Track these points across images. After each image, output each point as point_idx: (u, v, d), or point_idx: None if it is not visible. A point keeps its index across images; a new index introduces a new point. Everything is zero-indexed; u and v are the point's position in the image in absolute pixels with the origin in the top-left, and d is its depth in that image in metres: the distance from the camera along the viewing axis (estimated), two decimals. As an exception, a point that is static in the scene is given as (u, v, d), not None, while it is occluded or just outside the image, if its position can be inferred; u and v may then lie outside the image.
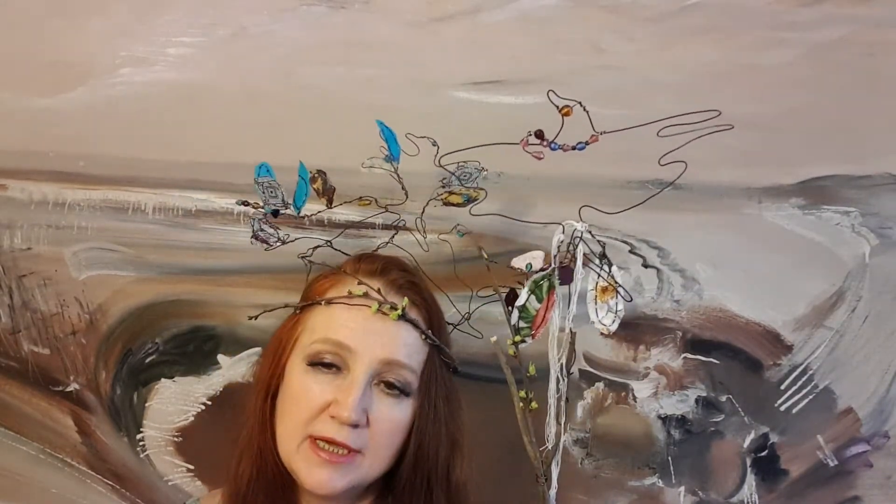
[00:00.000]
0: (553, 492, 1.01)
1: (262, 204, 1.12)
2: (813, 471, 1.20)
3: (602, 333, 1.08)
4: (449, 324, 1.08)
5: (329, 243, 1.13)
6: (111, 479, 1.28)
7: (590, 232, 1.01)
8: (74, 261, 1.22)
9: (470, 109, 1.13)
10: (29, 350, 1.26)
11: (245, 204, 1.12)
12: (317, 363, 0.93)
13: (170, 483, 1.27)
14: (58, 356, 1.26)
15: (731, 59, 1.10)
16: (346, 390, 0.90)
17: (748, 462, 1.20)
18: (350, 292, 0.95)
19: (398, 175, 1.07)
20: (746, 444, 1.20)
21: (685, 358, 1.19)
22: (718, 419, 1.20)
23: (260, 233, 1.12)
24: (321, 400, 0.91)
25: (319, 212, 1.09)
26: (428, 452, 0.96)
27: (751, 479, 1.21)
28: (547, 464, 1.01)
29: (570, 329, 1.01)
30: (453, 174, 1.08)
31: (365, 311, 0.94)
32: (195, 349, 1.24)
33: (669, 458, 1.21)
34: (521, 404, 1.02)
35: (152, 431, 1.26)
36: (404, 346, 0.95)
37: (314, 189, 1.09)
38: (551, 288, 1.02)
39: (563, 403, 1.01)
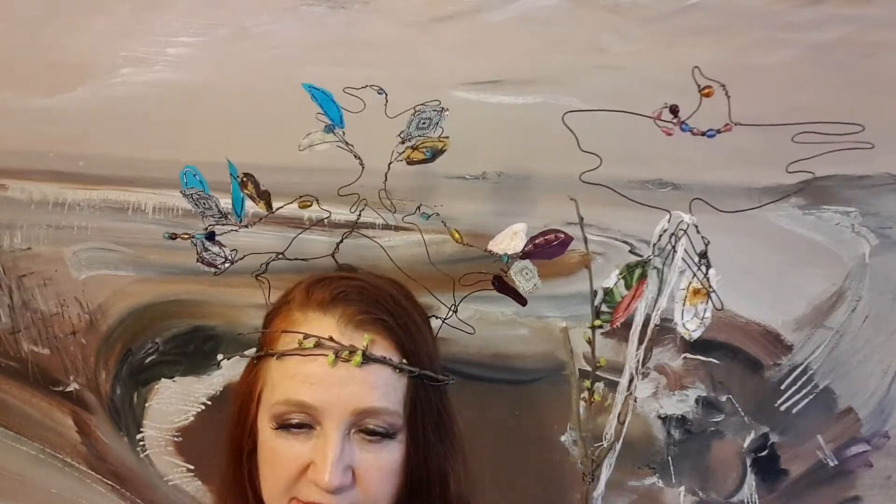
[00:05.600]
0: (599, 493, 0.95)
1: (191, 233, 0.99)
2: (813, 471, 1.20)
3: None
4: (436, 318, 1.03)
5: (282, 255, 1.03)
6: (111, 479, 1.28)
7: (696, 226, 0.89)
8: (74, 261, 1.22)
9: (470, 109, 1.13)
10: (29, 350, 1.26)
11: (173, 237, 0.98)
12: (286, 428, 0.85)
13: (170, 483, 1.27)
14: (58, 356, 1.25)
15: (731, 59, 1.10)
16: (321, 452, 0.82)
17: (748, 462, 1.20)
18: (300, 343, 0.85)
19: (346, 143, 0.93)
20: (746, 444, 1.20)
21: (685, 358, 1.19)
22: (718, 419, 1.20)
23: (205, 254, 0.99)
24: (298, 463, 0.84)
25: (261, 219, 0.98)
26: (421, 490, 0.89)
27: (751, 478, 1.21)
28: (598, 462, 0.93)
29: (656, 324, 0.91)
30: (410, 123, 0.93)
31: (323, 359, 0.84)
32: (195, 349, 1.24)
33: (669, 458, 1.21)
34: (584, 395, 0.93)
35: (152, 431, 1.26)
36: (376, 388, 0.85)
37: (247, 195, 0.96)
38: (643, 277, 0.91)
39: (631, 402, 0.93)
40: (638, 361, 0.92)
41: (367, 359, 0.84)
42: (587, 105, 1.08)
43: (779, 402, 1.19)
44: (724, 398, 1.20)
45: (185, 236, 0.98)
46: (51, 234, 1.22)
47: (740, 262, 1.16)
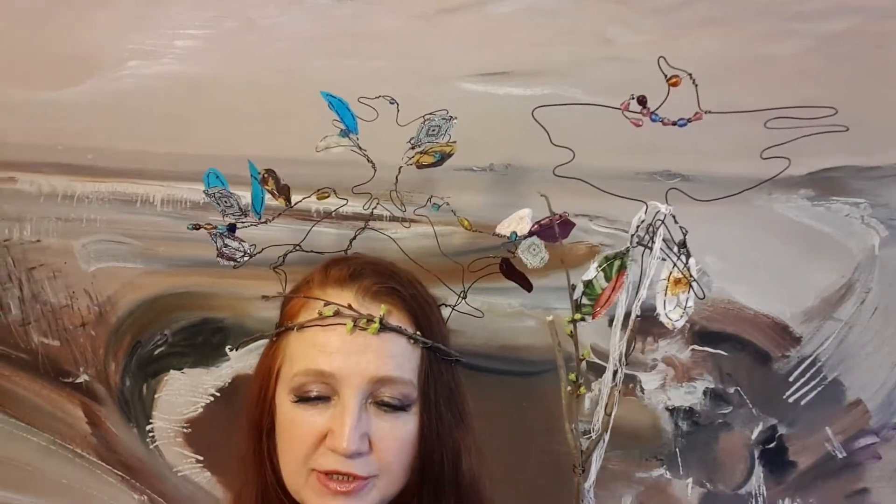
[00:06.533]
0: (589, 484, 0.95)
1: (214, 224, 1.00)
2: (821, 463, 1.20)
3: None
4: (447, 306, 1.04)
5: (298, 247, 1.04)
6: (121, 470, 1.29)
7: (673, 216, 0.89)
8: (83, 253, 1.23)
9: (478, 101, 1.13)
10: (39, 342, 1.27)
11: (196, 227, 1.01)
12: (304, 399, 0.87)
13: (179, 474, 1.28)
14: (67, 348, 1.26)
15: (738, 50, 1.09)
16: (339, 419, 0.84)
17: (756, 454, 1.20)
18: (320, 313, 0.88)
19: (360, 148, 0.96)
20: (754, 435, 1.20)
21: (693, 350, 1.19)
22: (726, 411, 1.20)
23: (224, 249, 1.02)
24: (316, 432, 0.86)
25: (280, 214, 1.00)
26: (433, 463, 0.90)
27: (759, 470, 1.21)
28: (587, 454, 0.93)
29: (636, 315, 0.91)
30: (420, 130, 0.96)
31: (341, 329, 0.87)
32: (204, 341, 1.25)
33: (677, 450, 1.21)
34: (570, 388, 0.92)
35: (161, 423, 1.27)
36: (391, 357, 0.87)
37: (268, 190, 0.98)
38: (622, 268, 0.91)
39: (617, 393, 0.94)
40: (621, 353, 0.92)
41: (384, 327, 0.87)
42: (594, 97, 1.08)
43: (787, 393, 1.19)
44: (732, 390, 1.20)
45: (209, 227, 1.00)
46: (60, 227, 1.23)
47: (749, 254, 1.16)
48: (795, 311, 1.17)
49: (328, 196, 1.03)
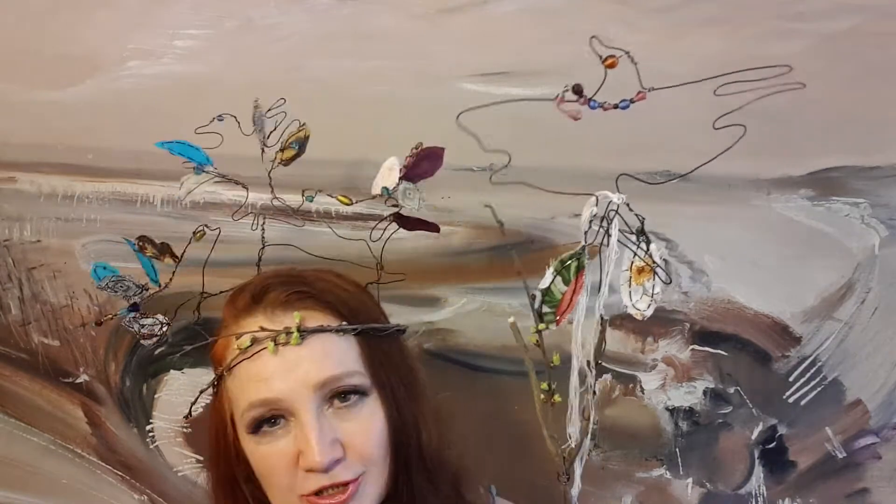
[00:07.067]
0: (576, 491, 0.93)
1: (116, 312, 1.01)
2: (821, 463, 1.20)
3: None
4: (373, 283, 1.02)
5: (204, 294, 1.05)
6: (121, 470, 1.29)
7: (627, 204, 0.88)
8: (84, 253, 1.23)
9: (477, 101, 1.13)
10: (39, 342, 1.27)
11: (98, 324, 1.04)
12: (258, 427, 0.85)
13: (179, 474, 1.28)
14: (67, 348, 1.26)
15: (739, 50, 1.09)
16: (303, 438, 0.82)
17: (756, 454, 1.20)
18: (238, 347, 0.86)
19: (222, 176, 0.98)
20: (754, 435, 1.20)
21: (693, 350, 1.19)
22: (726, 411, 1.20)
23: (143, 330, 1.02)
24: (287, 458, 0.84)
25: (174, 272, 1.03)
26: (399, 439, 0.88)
27: (759, 470, 1.21)
28: (569, 461, 0.93)
29: (601, 315, 0.90)
30: (259, 131, 0.98)
31: (265, 354, 0.84)
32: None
33: (677, 450, 1.21)
34: (543, 397, 0.91)
35: (161, 423, 1.27)
36: (328, 357, 0.85)
37: (151, 257, 0.99)
38: (580, 269, 0.89)
39: (589, 398, 0.92)
40: (589, 355, 0.90)
41: (305, 334, 0.85)
42: (597, 96, 1.07)
43: (787, 393, 1.19)
44: (732, 390, 1.20)
45: (111, 318, 1.04)
46: (60, 227, 1.23)
47: (749, 254, 1.16)
48: (795, 311, 1.17)
49: (203, 234, 1.05)
